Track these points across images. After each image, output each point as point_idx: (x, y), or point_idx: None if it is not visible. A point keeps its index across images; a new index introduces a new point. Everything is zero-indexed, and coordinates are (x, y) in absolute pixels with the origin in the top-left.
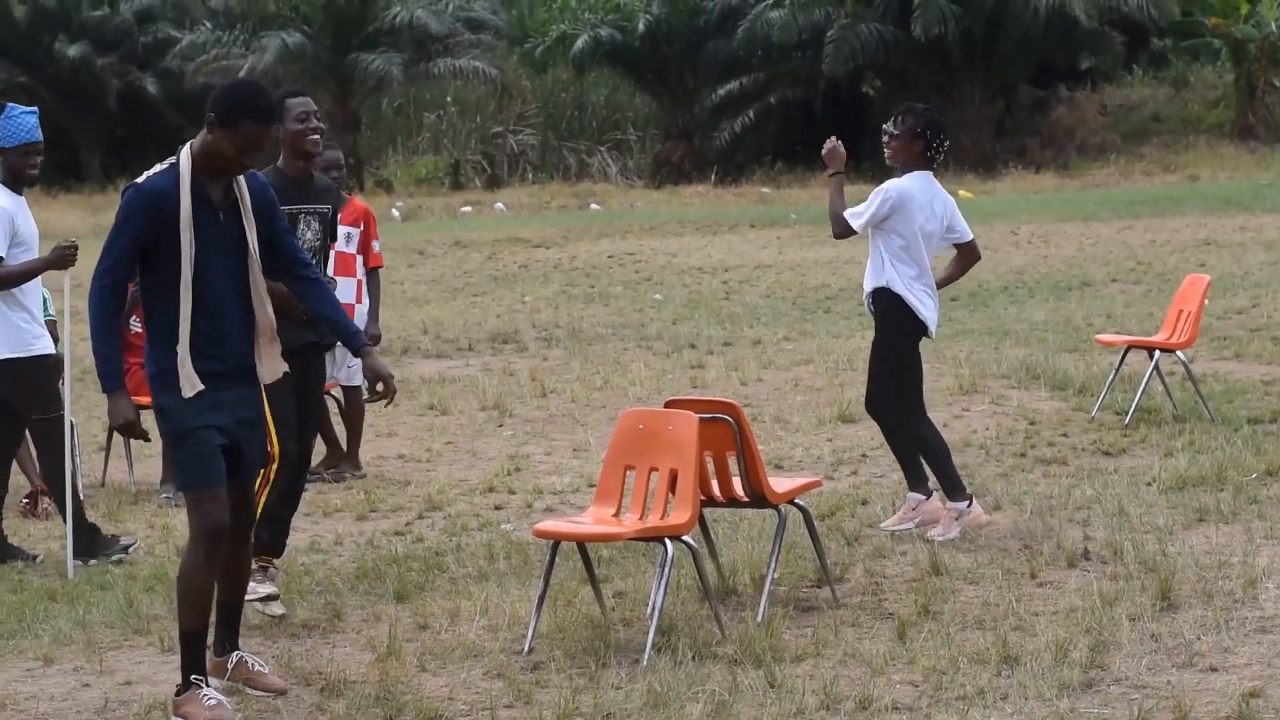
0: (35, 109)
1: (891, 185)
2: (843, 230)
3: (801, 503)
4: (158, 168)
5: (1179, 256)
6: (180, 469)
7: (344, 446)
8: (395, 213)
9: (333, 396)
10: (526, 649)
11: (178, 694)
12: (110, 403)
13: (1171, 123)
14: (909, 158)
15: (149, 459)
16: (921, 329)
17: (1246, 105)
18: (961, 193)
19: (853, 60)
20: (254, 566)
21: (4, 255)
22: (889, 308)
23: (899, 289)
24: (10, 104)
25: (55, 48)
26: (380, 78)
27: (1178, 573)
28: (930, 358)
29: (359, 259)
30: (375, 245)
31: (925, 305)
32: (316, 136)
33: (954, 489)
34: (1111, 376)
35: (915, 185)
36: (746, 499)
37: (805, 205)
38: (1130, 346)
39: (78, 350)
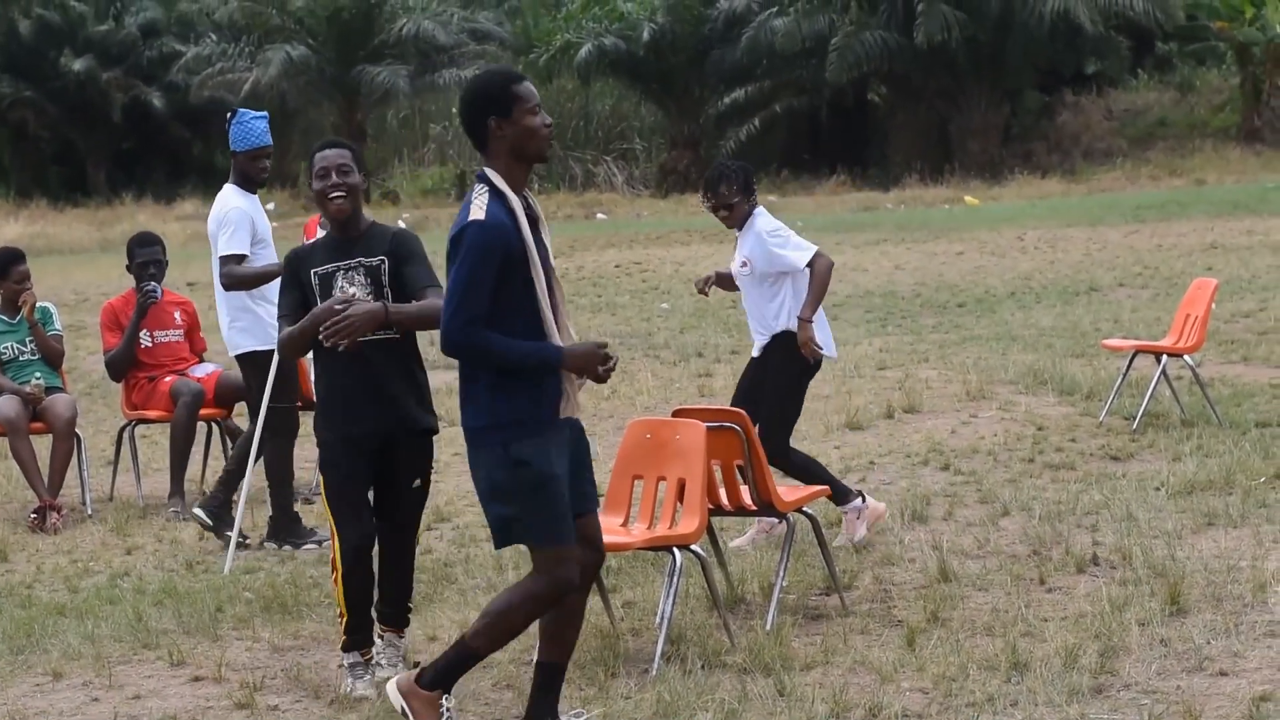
0: (265, 114)
1: (771, 224)
2: (826, 257)
3: (810, 510)
4: (478, 199)
5: (1186, 260)
6: (538, 523)
7: None
8: (402, 224)
9: None
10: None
11: (418, 680)
12: (570, 359)
13: (1177, 127)
14: (746, 214)
15: (156, 473)
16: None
17: (1252, 109)
18: (968, 199)
19: (856, 68)
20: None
21: (248, 253)
22: (790, 343)
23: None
24: (241, 109)
25: (60, 62)
26: (386, 89)
27: (1187, 577)
28: (937, 364)
29: None
30: None
31: (826, 335)
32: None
33: (843, 494)
34: (1119, 381)
35: (771, 217)
36: (755, 507)
37: (811, 213)
38: (1138, 351)
39: (85, 364)
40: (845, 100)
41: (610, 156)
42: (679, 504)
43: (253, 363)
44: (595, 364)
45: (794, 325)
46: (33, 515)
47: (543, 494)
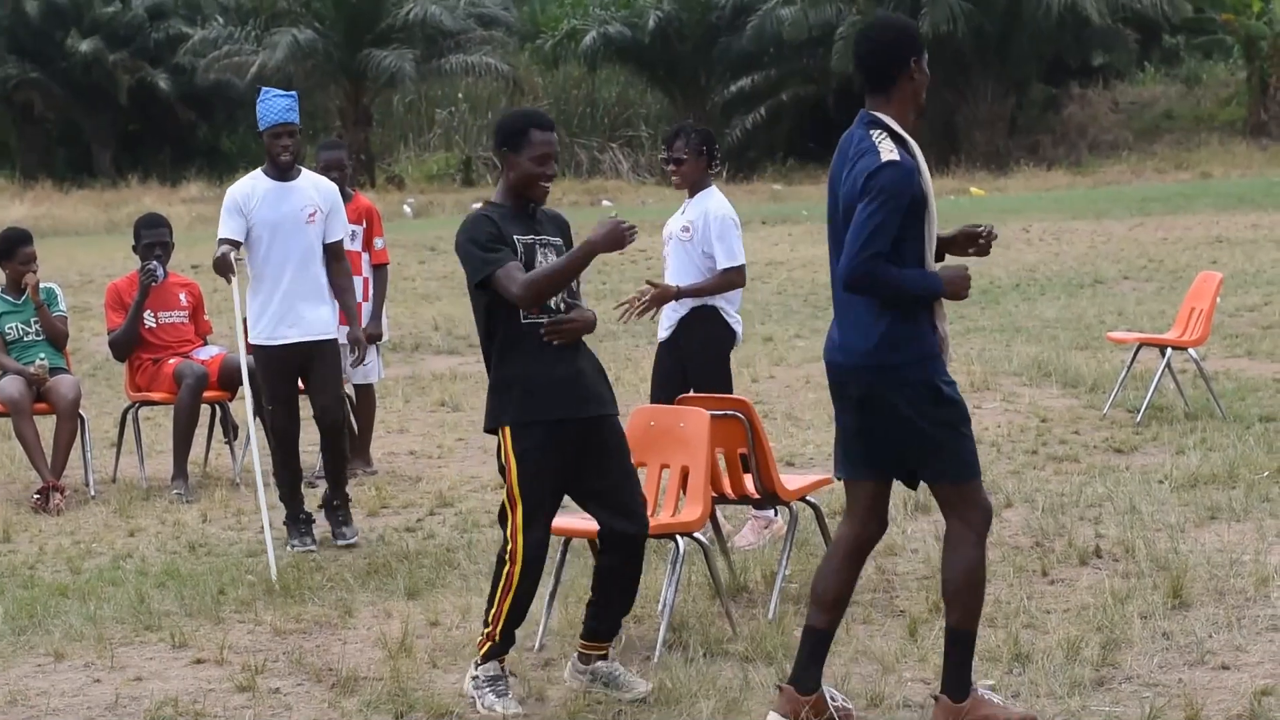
0: (292, 93)
1: (726, 211)
2: (744, 275)
3: (813, 500)
4: (882, 142)
5: (1191, 254)
6: (966, 457)
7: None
8: (407, 209)
9: (345, 394)
10: (538, 645)
11: (952, 698)
12: (948, 284)
13: (1184, 120)
14: (699, 176)
15: (160, 454)
16: (732, 338)
17: (1259, 102)
18: (973, 190)
19: None
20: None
21: (239, 239)
22: (710, 327)
23: (717, 303)
24: (266, 87)
25: (67, 43)
26: (392, 74)
27: (1189, 571)
28: None
29: (364, 256)
30: (378, 242)
31: (736, 315)
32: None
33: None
34: (1123, 374)
35: (727, 201)
36: (758, 496)
37: (817, 202)
38: (1142, 344)
39: (90, 345)
40: (851, 89)
41: (616, 144)
42: (682, 492)
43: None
44: (967, 284)
45: (717, 302)
46: (36, 496)
47: (967, 426)
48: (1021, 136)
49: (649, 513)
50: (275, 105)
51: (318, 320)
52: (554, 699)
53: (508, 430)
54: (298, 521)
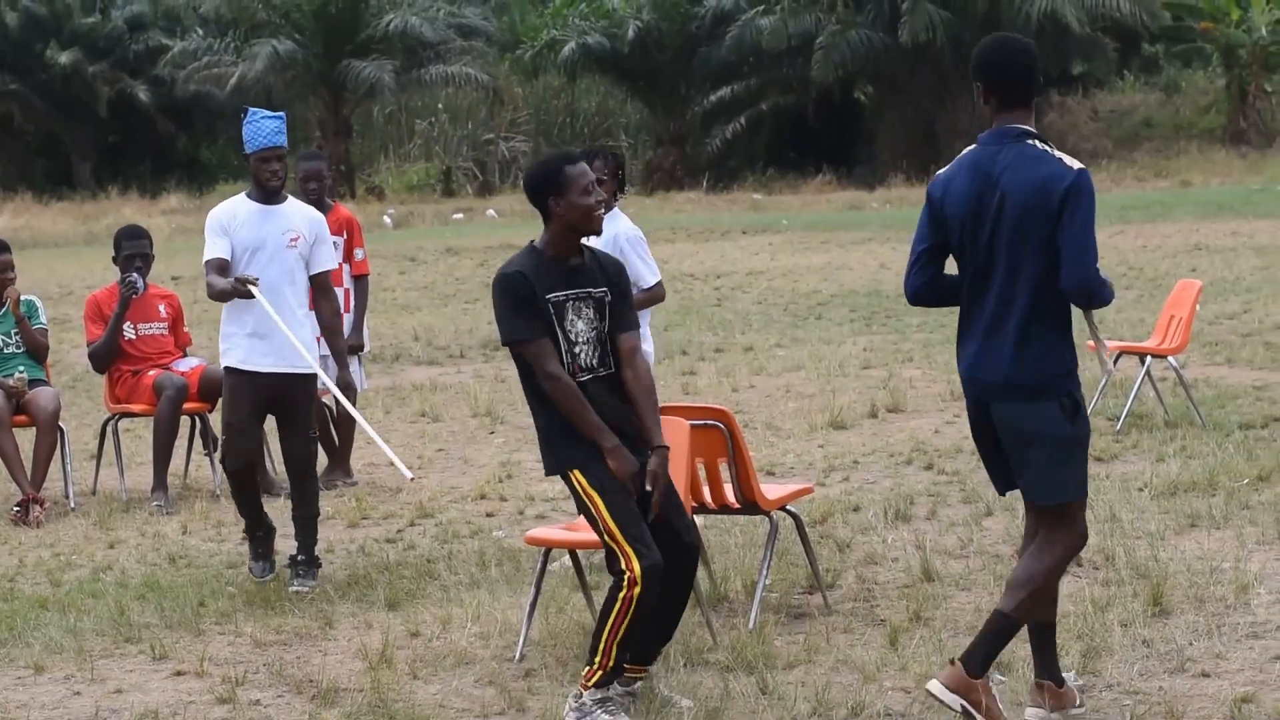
0: (281, 114)
1: (636, 230)
2: (663, 289)
3: (793, 509)
4: (1055, 151)
5: (1171, 262)
6: (1082, 477)
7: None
8: (387, 220)
9: (325, 405)
10: (518, 656)
11: (968, 671)
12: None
13: (1163, 128)
14: (614, 198)
15: (140, 466)
16: None
17: (1238, 110)
18: None
19: (842, 67)
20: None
21: (226, 258)
22: None
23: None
24: (253, 108)
25: (47, 55)
26: (372, 85)
27: (1169, 578)
28: (922, 363)
29: (345, 267)
30: (359, 253)
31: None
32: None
33: None
34: (1103, 382)
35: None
36: (738, 506)
37: (797, 211)
38: (1122, 352)
39: (69, 357)
40: (832, 99)
41: None
42: None
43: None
44: None
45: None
46: (15, 508)
47: (1086, 444)
48: None
49: None
50: (264, 128)
51: (293, 352)
52: (534, 709)
53: (577, 473)
54: (254, 540)
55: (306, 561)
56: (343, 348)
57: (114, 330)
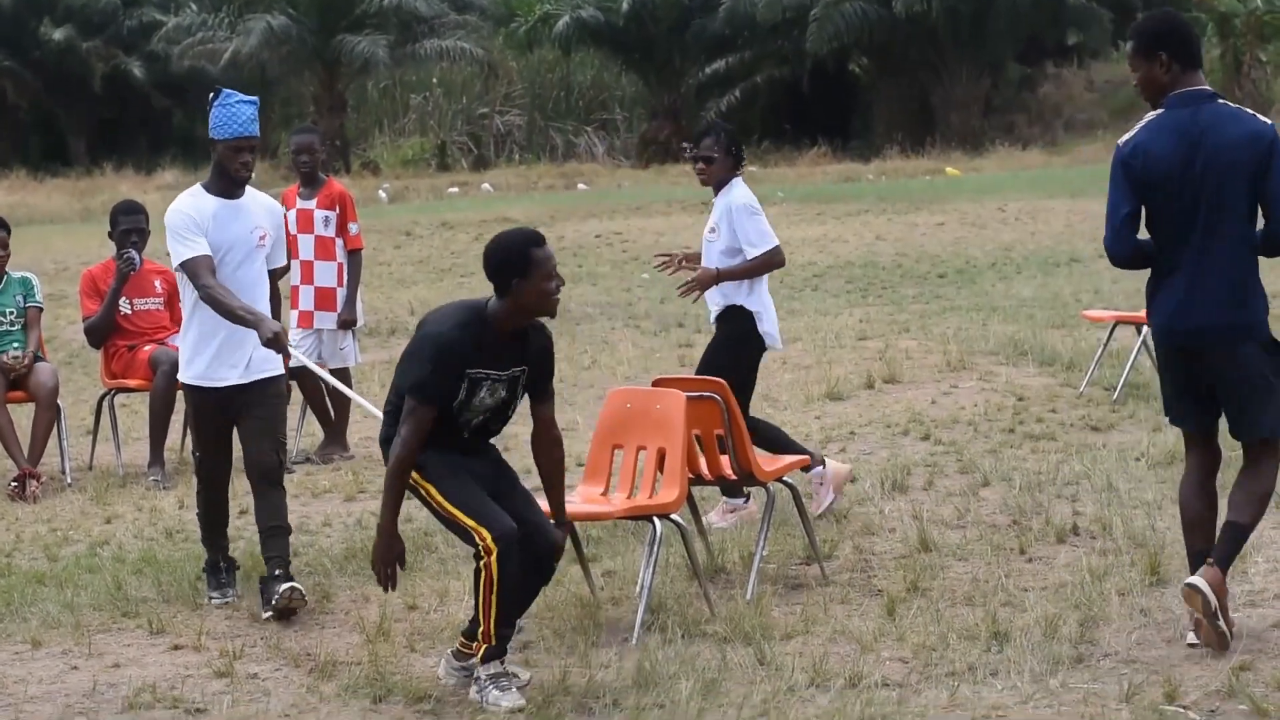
0: (255, 99)
1: (747, 199)
2: (781, 256)
3: (790, 480)
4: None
5: None
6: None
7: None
8: (382, 194)
9: (321, 379)
10: (516, 628)
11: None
12: None
13: None
14: (725, 175)
15: (136, 441)
16: (762, 344)
17: (1233, 80)
18: (949, 170)
19: (836, 39)
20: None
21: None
22: (739, 324)
23: (751, 306)
24: (226, 89)
25: (40, 31)
26: (366, 60)
27: (1167, 547)
28: (918, 335)
29: (338, 242)
30: (353, 228)
31: (769, 319)
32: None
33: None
34: (1099, 352)
35: (741, 190)
36: (735, 477)
37: (792, 183)
38: (1118, 322)
39: (65, 334)
40: (827, 71)
41: (591, 127)
42: (659, 473)
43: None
44: None
45: (748, 302)
46: (12, 484)
47: None
48: (997, 116)
49: (626, 494)
50: (239, 114)
51: (261, 357)
52: (531, 681)
53: (417, 474)
54: (217, 570)
55: (285, 575)
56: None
57: (110, 306)
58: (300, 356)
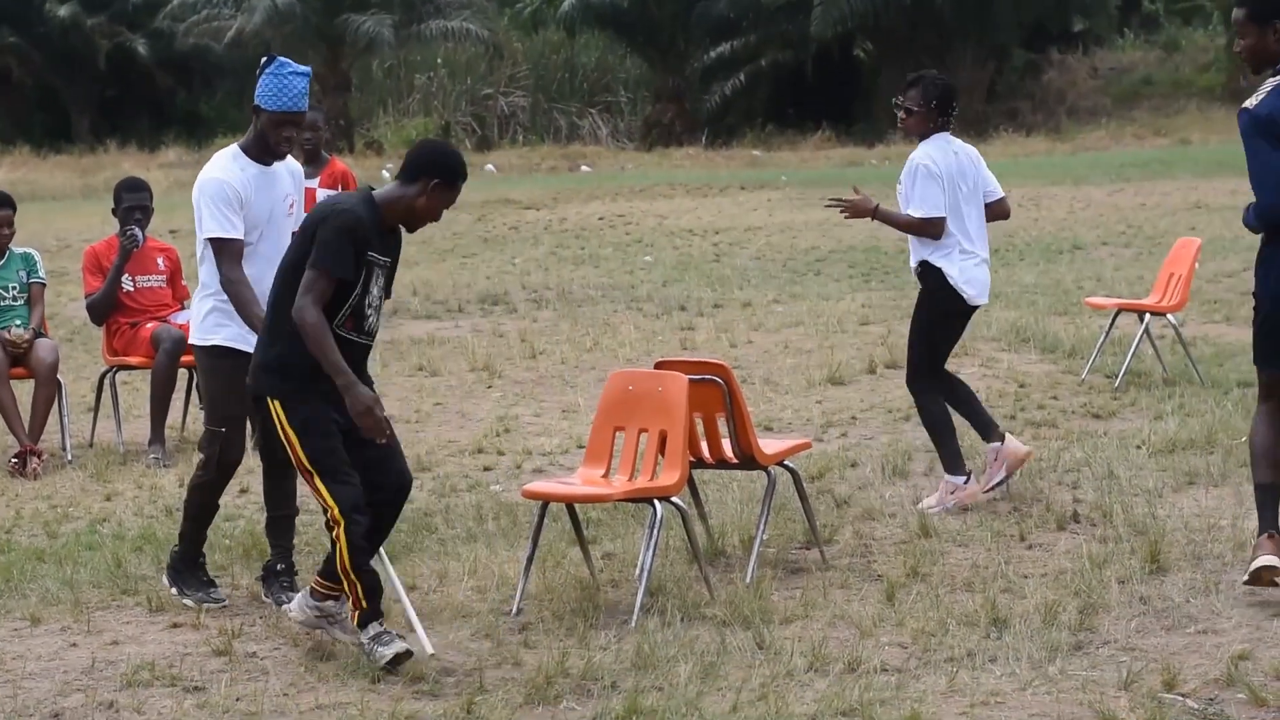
0: (309, 70)
1: (919, 159)
2: (937, 228)
3: (791, 464)
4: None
5: (1170, 220)
6: None
7: None
8: (386, 174)
9: None
10: (515, 610)
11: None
12: None
13: (1163, 86)
14: (925, 128)
15: (137, 419)
16: (958, 301)
17: (1238, 68)
18: None
19: (841, 23)
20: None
21: (238, 237)
22: (929, 282)
23: (937, 261)
24: (282, 58)
25: (45, 8)
26: (371, 39)
27: (1167, 535)
28: None
29: None
30: None
31: (964, 275)
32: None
33: (951, 463)
34: (1102, 339)
35: (937, 151)
36: (736, 460)
37: (795, 167)
38: (1120, 309)
39: (67, 310)
40: (831, 56)
41: (595, 109)
42: (660, 456)
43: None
44: None
45: (934, 257)
46: (13, 460)
47: None
48: (1001, 103)
49: (627, 477)
50: (291, 86)
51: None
52: (530, 663)
53: (279, 404)
54: (197, 566)
55: (288, 570)
56: None
57: (113, 282)
58: None
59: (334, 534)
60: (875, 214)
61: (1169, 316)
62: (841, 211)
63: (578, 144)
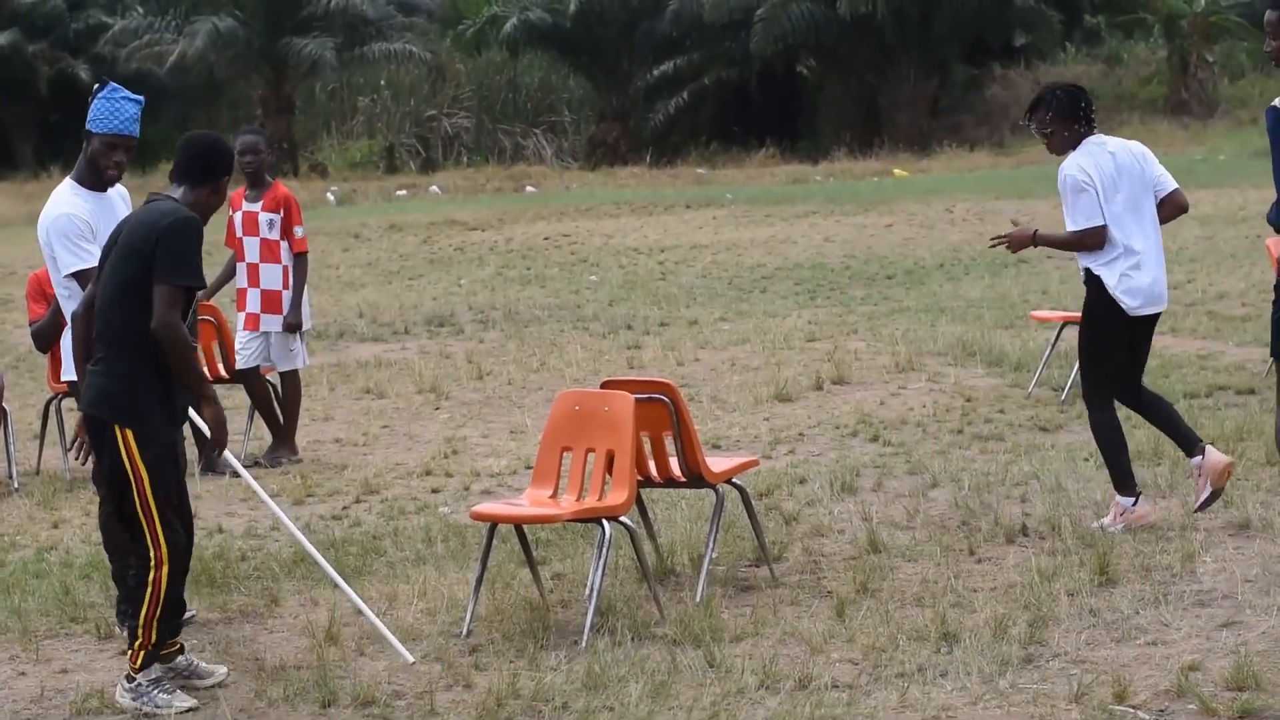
0: (141, 99)
1: (1067, 171)
2: (1097, 238)
3: (739, 482)
4: None
5: None
6: None
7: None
8: (330, 197)
9: (270, 382)
10: (465, 632)
11: None
12: None
13: (1105, 99)
14: (1069, 140)
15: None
16: (1117, 312)
17: (1180, 81)
18: (896, 171)
19: (782, 40)
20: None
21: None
22: (1091, 290)
23: (1098, 269)
24: (112, 83)
25: None
26: (313, 62)
27: (1115, 548)
28: (866, 336)
29: (283, 244)
30: (298, 230)
31: (1123, 285)
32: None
33: (1122, 482)
34: (1047, 353)
35: (1084, 157)
36: (684, 479)
37: (741, 185)
38: (1066, 323)
39: (12, 338)
40: (774, 73)
41: (539, 129)
42: (608, 476)
43: None
44: None
45: (1096, 265)
46: None
47: None
48: (944, 118)
49: (575, 497)
50: (122, 111)
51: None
52: (481, 685)
53: (130, 433)
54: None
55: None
56: None
57: (56, 309)
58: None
59: (152, 578)
60: (1036, 240)
61: None
62: (1006, 247)
63: (522, 164)
